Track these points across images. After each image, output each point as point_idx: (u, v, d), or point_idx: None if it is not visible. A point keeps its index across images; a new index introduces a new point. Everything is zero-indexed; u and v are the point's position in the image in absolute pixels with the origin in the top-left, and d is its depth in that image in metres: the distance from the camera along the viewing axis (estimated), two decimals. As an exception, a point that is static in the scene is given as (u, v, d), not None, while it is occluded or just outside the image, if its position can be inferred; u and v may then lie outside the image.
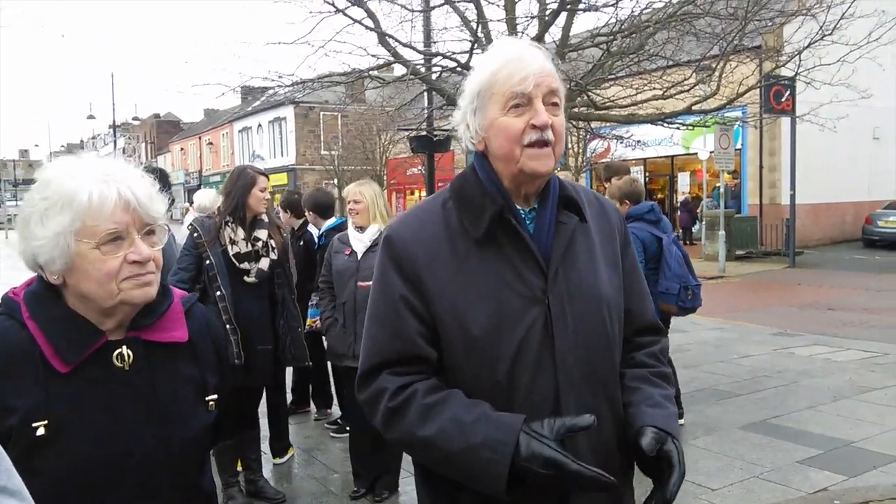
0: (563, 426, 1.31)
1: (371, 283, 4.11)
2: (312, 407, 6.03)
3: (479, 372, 1.41)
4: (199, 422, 1.44)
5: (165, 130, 57.06)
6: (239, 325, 3.88)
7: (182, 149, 51.74)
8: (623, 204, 5.22)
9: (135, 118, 49.22)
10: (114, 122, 39.79)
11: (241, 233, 3.99)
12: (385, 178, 27.36)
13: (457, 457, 1.35)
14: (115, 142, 41.56)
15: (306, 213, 5.79)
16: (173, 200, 4.63)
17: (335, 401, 5.82)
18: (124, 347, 1.36)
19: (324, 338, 5.50)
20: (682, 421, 5.41)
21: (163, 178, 4.64)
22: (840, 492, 4.17)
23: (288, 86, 8.98)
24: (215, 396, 1.48)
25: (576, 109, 9.13)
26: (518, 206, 1.48)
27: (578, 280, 1.47)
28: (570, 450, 1.32)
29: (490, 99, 1.43)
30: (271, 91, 10.81)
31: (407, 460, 4.19)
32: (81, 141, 70.69)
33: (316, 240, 5.63)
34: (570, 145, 17.30)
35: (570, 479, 1.28)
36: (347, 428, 5.36)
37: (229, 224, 3.97)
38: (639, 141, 14.95)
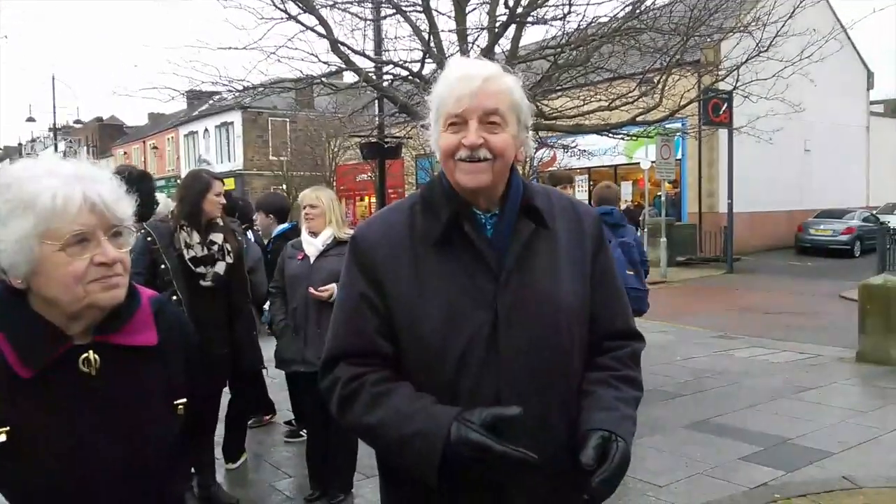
0: (490, 414, 1.37)
1: (322, 290, 4.15)
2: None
3: (427, 371, 1.48)
4: (168, 427, 1.42)
5: (108, 134, 55.31)
6: (196, 329, 3.87)
7: (125, 153, 50.28)
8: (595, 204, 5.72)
9: (77, 121, 47.60)
10: (54, 124, 38.54)
11: (196, 237, 3.97)
12: (335, 183, 27.22)
13: (395, 445, 1.43)
14: (55, 145, 40.16)
15: (263, 216, 5.79)
16: (156, 203, 4.51)
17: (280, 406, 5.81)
18: (91, 352, 1.32)
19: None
20: None
21: (145, 180, 4.57)
22: (779, 486, 4.37)
23: (239, 90, 8.91)
24: (184, 400, 1.45)
25: (525, 119, 9.29)
26: (479, 212, 1.53)
27: (532, 286, 1.50)
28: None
29: (438, 117, 1.52)
30: (219, 96, 10.69)
31: (362, 462, 4.23)
32: (20, 144, 68.04)
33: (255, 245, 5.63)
34: (517, 154, 17.49)
35: (498, 461, 1.34)
36: (301, 432, 5.37)
37: (184, 228, 3.96)
38: (584, 150, 15.29)
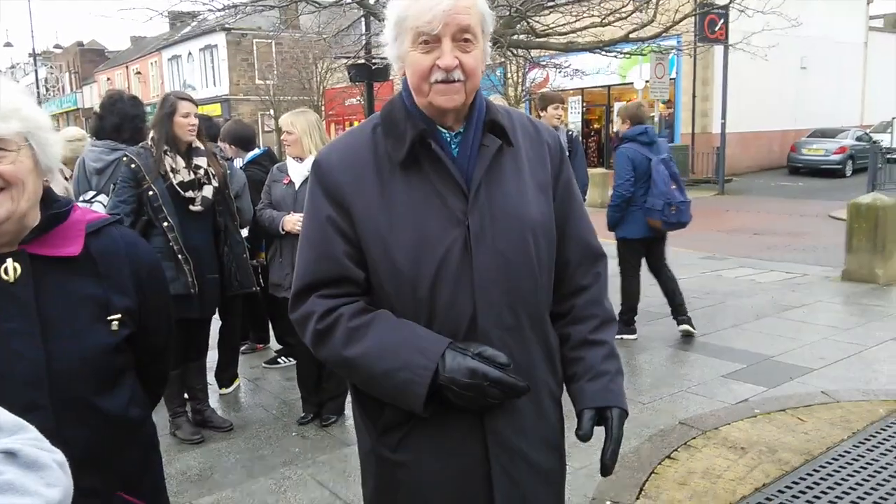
0: (484, 349, 1.42)
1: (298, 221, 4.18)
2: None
3: (401, 291, 1.47)
4: (95, 340, 1.43)
5: (90, 59, 53.69)
6: (188, 254, 3.87)
7: (108, 79, 48.98)
8: (625, 123, 5.78)
9: (56, 46, 46.20)
10: (34, 50, 37.47)
11: (181, 161, 3.91)
12: (323, 108, 26.73)
13: (379, 378, 1.44)
14: (35, 71, 39.18)
15: (226, 146, 5.63)
16: (147, 128, 4.41)
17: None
18: (10, 260, 1.36)
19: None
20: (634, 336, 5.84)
21: (137, 105, 4.48)
22: (760, 401, 4.48)
23: (219, 10, 8.62)
24: (119, 317, 1.46)
25: (515, 37, 9.07)
26: (443, 130, 1.51)
27: (502, 201, 1.50)
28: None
29: (403, 33, 1.45)
30: (201, 16, 10.35)
31: (353, 386, 4.31)
32: (-1, 70, 66.32)
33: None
34: (509, 74, 17.20)
35: (492, 389, 1.39)
36: (279, 360, 5.45)
37: (167, 153, 3.88)
38: (577, 70, 15.00)
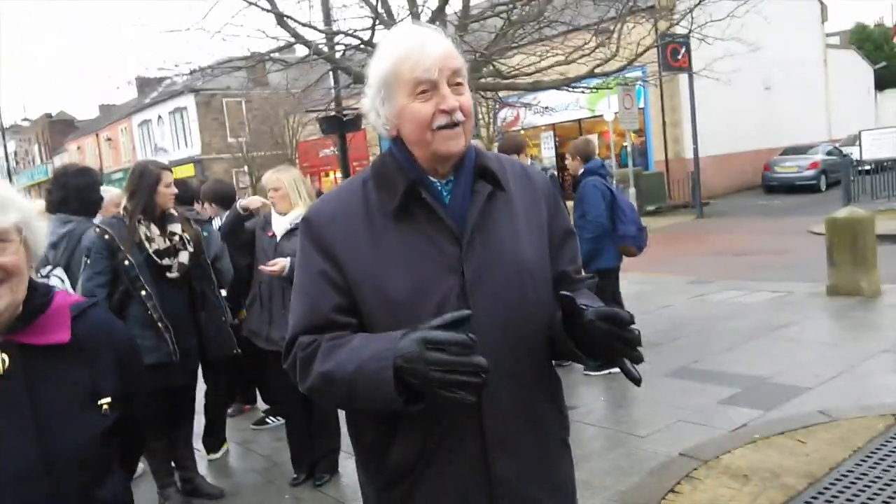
0: (440, 319, 1.32)
1: (271, 264, 4.21)
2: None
3: None
4: (88, 428, 1.39)
5: (59, 130, 53.65)
6: (168, 321, 3.80)
7: (79, 147, 49.04)
8: (575, 159, 5.90)
9: (24, 119, 46.28)
10: (1, 124, 37.44)
11: (155, 229, 3.86)
12: (297, 161, 26.82)
13: (352, 379, 1.37)
14: (4, 145, 39.13)
15: (206, 205, 5.58)
16: (100, 197, 4.38)
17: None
18: None
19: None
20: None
21: (85, 175, 4.39)
22: (759, 426, 4.41)
23: (186, 74, 8.66)
24: (109, 400, 1.43)
25: (482, 80, 9.17)
26: (433, 179, 1.51)
27: (496, 246, 1.50)
28: (493, 408, 1.44)
29: (397, 87, 1.47)
30: (169, 81, 10.40)
31: (346, 441, 4.19)
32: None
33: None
34: (480, 116, 17.39)
35: (432, 351, 1.26)
36: (268, 419, 5.32)
37: (142, 222, 3.84)
38: (546, 107, 15.14)
